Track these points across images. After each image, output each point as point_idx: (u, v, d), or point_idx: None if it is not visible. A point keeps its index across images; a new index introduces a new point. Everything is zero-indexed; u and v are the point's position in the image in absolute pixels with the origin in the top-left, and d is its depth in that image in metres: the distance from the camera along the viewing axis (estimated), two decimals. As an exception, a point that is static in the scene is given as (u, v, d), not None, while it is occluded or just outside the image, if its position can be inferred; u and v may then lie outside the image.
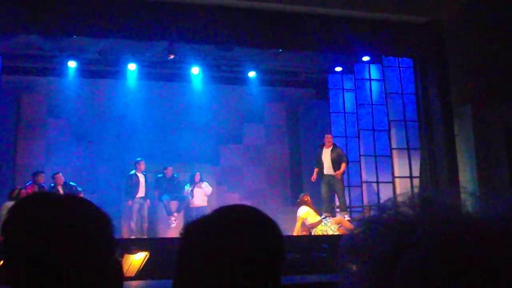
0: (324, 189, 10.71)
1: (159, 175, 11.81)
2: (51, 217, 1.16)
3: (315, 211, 10.09)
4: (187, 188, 11.87)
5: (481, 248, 0.51)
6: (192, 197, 11.71)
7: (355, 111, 12.59)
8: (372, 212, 0.63)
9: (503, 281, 0.49)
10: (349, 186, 12.00)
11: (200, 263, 1.14)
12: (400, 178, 11.79)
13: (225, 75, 13.15)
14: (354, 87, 12.74)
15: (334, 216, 10.58)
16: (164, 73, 12.79)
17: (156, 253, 8.02)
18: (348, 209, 11.15)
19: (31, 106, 12.55)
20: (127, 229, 11.13)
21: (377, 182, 12.09)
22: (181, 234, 1.22)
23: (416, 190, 0.64)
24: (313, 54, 11.78)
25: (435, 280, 0.51)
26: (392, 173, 11.95)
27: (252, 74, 12.98)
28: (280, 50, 11.25)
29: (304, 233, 10.06)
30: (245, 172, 13.23)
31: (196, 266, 1.15)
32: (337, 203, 11.16)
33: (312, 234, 9.88)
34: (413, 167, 11.73)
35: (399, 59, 11.93)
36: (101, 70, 12.49)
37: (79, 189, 10.67)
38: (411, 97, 11.83)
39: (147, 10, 9.44)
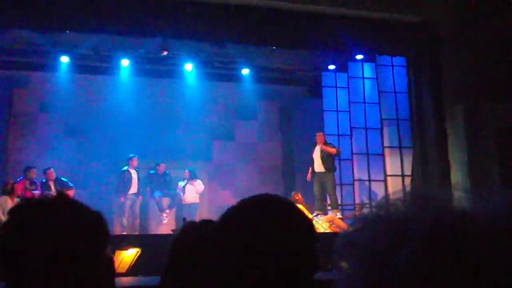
0: (315, 187, 10.74)
1: (151, 172, 11.80)
2: (43, 217, 1.16)
3: (306, 209, 10.10)
4: (180, 183, 11.88)
5: (474, 242, 0.52)
6: (184, 193, 11.72)
7: (348, 109, 12.62)
8: (367, 210, 0.63)
9: (495, 275, 0.50)
10: (341, 184, 12.02)
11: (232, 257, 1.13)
12: (392, 176, 11.83)
13: (219, 72, 13.13)
14: (347, 85, 12.76)
15: (326, 214, 10.60)
16: (157, 69, 12.75)
17: (147, 249, 8.01)
18: (339, 207, 11.17)
19: (23, 101, 12.49)
20: (119, 225, 11.12)
21: (369, 180, 12.13)
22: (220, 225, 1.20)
23: (408, 188, 0.64)
24: (307, 52, 11.78)
25: (430, 274, 0.51)
26: (384, 172, 11.99)
27: (245, 71, 12.97)
28: (274, 47, 11.24)
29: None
30: (237, 169, 13.23)
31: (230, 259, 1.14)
32: (329, 201, 11.19)
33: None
34: (405, 166, 11.77)
35: (392, 57, 11.96)
36: (94, 65, 12.44)
37: (71, 184, 10.64)
38: (404, 96, 11.86)
39: (140, 6, 9.40)
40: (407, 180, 11.49)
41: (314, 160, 10.78)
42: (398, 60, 11.96)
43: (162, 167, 11.81)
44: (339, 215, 10.70)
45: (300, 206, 9.98)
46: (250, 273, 1.10)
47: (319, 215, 10.19)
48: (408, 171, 11.63)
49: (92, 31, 9.90)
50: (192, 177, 11.84)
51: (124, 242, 8.20)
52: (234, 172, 13.19)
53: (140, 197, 11.42)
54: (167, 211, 11.72)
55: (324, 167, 10.66)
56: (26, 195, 10.05)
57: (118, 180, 11.30)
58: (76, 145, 12.33)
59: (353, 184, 12.19)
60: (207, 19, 9.70)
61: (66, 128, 12.49)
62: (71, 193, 10.54)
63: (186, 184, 11.78)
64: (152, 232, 11.38)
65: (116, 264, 7.50)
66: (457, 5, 10.46)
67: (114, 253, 7.55)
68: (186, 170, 11.86)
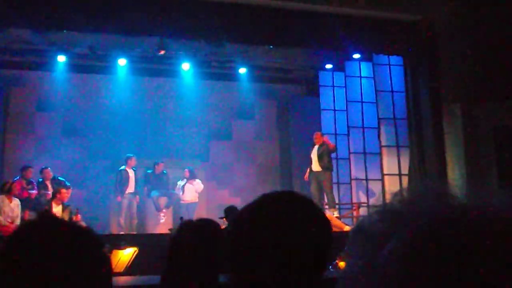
0: (313, 186, 10.75)
1: (149, 171, 11.79)
2: (42, 225, 1.17)
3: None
4: (179, 182, 11.89)
5: (472, 236, 0.52)
6: (183, 192, 11.73)
7: (345, 108, 12.62)
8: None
9: (492, 269, 0.50)
10: (338, 183, 12.02)
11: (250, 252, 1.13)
12: (389, 175, 11.84)
13: (216, 71, 13.13)
14: (344, 85, 12.77)
15: (323, 213, 10.59)
16: (154, 68, 12.75)
17: (145, 248, 8.01)
18: (336, 206, 11.18)
19: (20, 100, 12.45)
20: (116, 224, 11.11)
21: (366, 180, 12.14)
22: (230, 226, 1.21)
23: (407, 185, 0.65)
24: (304, 51, 11.79)
25: (423, 262, 0.52)
26: (381, 171, 12.00)
27: (242, 70, 12.97)
28: (271, 46, 11.25)
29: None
30: (235, 169, 13.23)
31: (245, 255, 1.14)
32: (326, 200, 11.19)
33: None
34: (402, 165, 11.78)
35: (389, 56, 11.97)
36: (91, 65, 12.42)
37: (68, 184, 10.61)
38: (401, 95, 11.88)
39: (138, 5, 9.39)
40: (404, 179, 11.51)
41: (312, 159, 10.80)
42: (395, 59, 11.97)
43: (159, 167, 11.81)
44: (336, 214, 10.71)
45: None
46: (270, 268, 1.11)
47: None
48: (405, 170, 11.64)
49: (89, 30, 9.90)
50: (192, 176, 11.86)
51: (122, 241, 8.20)
52: (232, 171, 13.19)
53: (138, 196, 11.42)
54: (164, 210, 11.73)
55: (321, 165, 10.67)
56: (23, 194, 10.03)
57: (115, 180, 11.29)
58: (73, 144, 12.29)
59: (350, 183, 12.20)
60: (204, 18, 9.69)
61: (63, 128, 12.46)
62: (68, 192, 10.53)
63: (185, 183, 11.79)
64: (150, 232, 11.37)
65: (114, 263, 7.50)
66: (454, 4, 10.47)
67: (111, 253, 7.55)
68: (186, 169, 11.88)
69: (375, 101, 12.28)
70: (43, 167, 10.74)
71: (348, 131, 12.44)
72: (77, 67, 12.22)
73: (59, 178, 10.71)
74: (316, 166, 10.75)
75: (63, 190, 9.77)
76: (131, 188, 11.27)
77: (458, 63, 10.35)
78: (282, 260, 1.11)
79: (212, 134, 13.33)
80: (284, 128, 13.91)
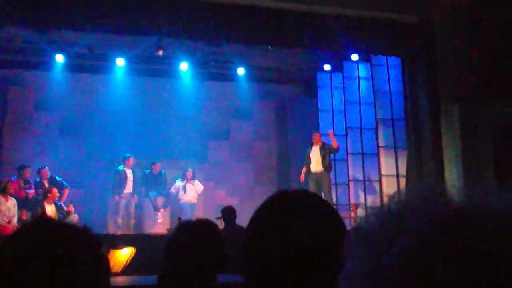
0: (311, 187, 10.74)
1: (146, 171, 11.79)
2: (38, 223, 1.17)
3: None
4: (178, 182, 11.88)
5: (472, 237, 0.52)
6: (184, 192, 11.75)
7: (343, 109, 12.63)
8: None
9: (492, 269, 0.50)
10: (336, 184, 12.03)
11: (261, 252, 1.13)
12: (387, 176, 11.85)
13: (214, 72, 13.12)
14: (342, 85, 12.77)
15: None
16: (152, 68, 12.73)
17: (142, 249, 8.01)
18: (334, 207, 11.18)
19: (18, 100, 12.44)
20: (114, 224, 11.10)
21: (364, 180, 12.14)
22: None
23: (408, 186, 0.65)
24: (302, 51, 11.79)
25: (428, 265, 0.52)
26: (379, 171, 12.00)
27: (241, 70, 12.97)
28: (269, 47, 11.25)
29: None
30: (233, 169, 13.22)
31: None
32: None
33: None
34: (400, 166, 11.79)
35: (387, 57, 11.97)
36: (89, 64, 12.40)
37: (65, 183, 10.61)
38: (399, 96, 11.89)
39: (136, 5, 9.39)
40: (402, 180, 11.52)
41: (312, 160, 10.78)
42: (394, 60, 11.99)
43: (157, 167, 11.81)
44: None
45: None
46: (287, 267, 1.11)
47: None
48: (403, 171, 11.65)
49: (87, 30, 9.88)
50: (194, 177, 11.92)
51: (119, 241, 8.20)
52: (230, 171, 13.18)
53: (136, 196, 11.41)
54: (161, 210, 11.73)
55: (322, 165, 10.68)
56: (21, 194, 10.02)
57: (113, 180, 11.28)
58: (71, 144, 12.29)
59: (348, 184, 12.20)
60: (203, 18, 9.69)
61: (61, 127, 12.45)
62: (66, 192, 10.53)
63: (186, 183, 11.82)
64: (147, 232, 11.37)
65: (111, 263, 7.49)
66: (452, 5, 10.48)
67: (109, 253, 7.54)
68: (189, 169, 11.92)
69: (373, 102, 12.29)
70: (41, 166, 10.71)
71: (346, 132, 12.44)
72: (75, 67, 12.20)
73: (56, 177, 10.69)
74: (317, 167, 10.74)
75: (54, 190, 9.76)
76: (129, 188, 11.26)
77: (456, 64, 10.36)
78: (302, 259, 1.11)
79: (210, 134, 13.33)
80: (282, 128, 13.91)
